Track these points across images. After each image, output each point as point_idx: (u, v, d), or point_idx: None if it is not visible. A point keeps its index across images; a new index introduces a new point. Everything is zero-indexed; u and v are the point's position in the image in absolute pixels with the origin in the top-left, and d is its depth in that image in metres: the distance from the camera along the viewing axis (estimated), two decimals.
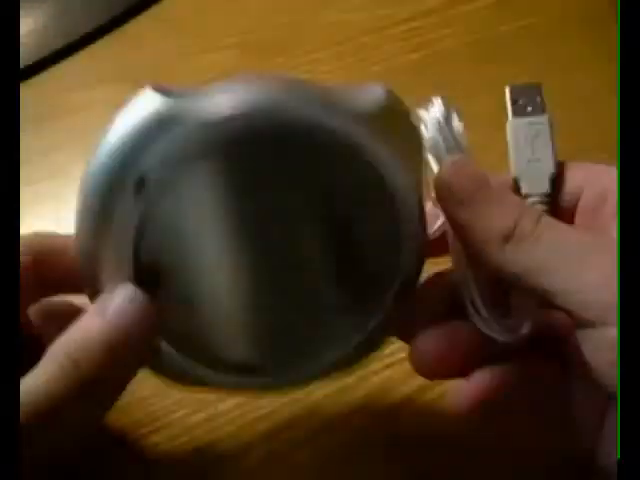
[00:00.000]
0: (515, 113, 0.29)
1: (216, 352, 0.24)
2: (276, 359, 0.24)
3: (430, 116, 0.27)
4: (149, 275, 0.23)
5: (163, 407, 0.29)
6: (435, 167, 0.25)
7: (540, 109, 0.29)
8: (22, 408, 0.20)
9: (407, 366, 0.30)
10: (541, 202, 0.26)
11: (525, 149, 0.28)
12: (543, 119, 0.28)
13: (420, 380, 0.30)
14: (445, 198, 0.23)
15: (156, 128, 0.22)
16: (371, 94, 0.24)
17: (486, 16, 0.46)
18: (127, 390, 0.29)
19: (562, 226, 0.23)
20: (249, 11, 0.46)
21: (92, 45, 0.44)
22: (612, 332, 0.21)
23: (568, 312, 0.22)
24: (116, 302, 0.22)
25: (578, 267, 0.22)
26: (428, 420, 0.29)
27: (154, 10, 0.47)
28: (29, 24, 0.45)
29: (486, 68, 0.42)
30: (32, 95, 0.40)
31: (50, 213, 0.37)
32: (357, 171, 0.23)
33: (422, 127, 0.26)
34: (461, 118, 0.26)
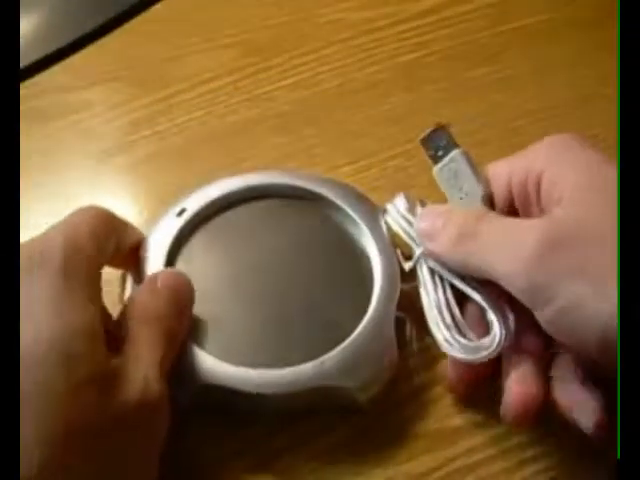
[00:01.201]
0: (434, 162, 0.31)
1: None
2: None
3: (394, 211, 0.32)
4: None
5: None
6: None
7: (451, 147, 0.30)
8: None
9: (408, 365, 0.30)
10: None
11: (455, 189, 0.30)
12: (455, 154, 0.30)
13: (424, 377, 0.30)
14: (422, 241, 0.30)
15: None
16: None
17: (485, 16, 0.46)
18: None
19: (499, 220, 0.28)
20: (249, 11, 0.46)
21: (92, 45, 0.44)
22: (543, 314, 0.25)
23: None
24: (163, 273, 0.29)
25: (509, 255, 0.26)
26: (432, 416, 0.29)
27: (154, 9, 0.47)
28: (29, 24, 0.45)
29: (485, 69, 0.42)
30: (32, 95, 0.40)
31: (50, 212, 0.37)
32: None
33: (389, 219, 0.32)
34: (425, 204, 0.32)
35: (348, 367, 0.28)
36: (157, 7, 0.47)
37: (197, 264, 0.31)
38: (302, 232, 0.33)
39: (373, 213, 0.33)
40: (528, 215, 0.29)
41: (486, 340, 0.28)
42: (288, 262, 0.32)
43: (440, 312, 0.29)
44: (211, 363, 0.28)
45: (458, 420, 0.29)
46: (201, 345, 0.28)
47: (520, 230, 0.26)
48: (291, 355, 0.28)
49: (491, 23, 0.45)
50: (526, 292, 0.26)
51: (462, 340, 0.28)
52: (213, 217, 0.33)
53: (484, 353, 0.27)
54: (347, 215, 0.32)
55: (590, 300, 0.24)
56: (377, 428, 0.29)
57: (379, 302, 0.30)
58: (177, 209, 0.32)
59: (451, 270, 0.29)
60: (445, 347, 0.28)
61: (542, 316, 0.25)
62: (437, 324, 0.29)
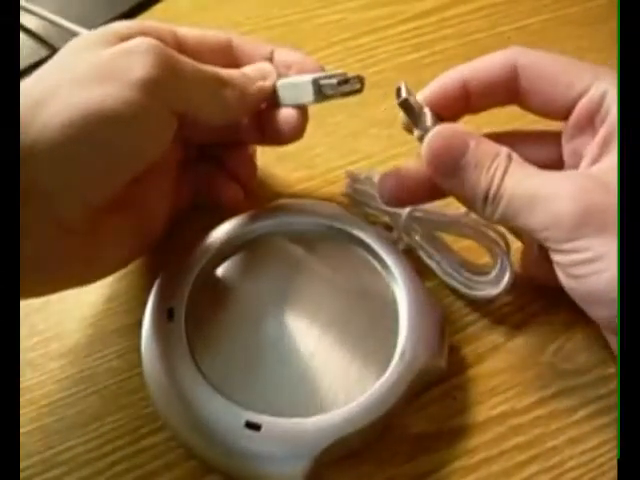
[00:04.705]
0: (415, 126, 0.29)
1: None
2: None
3: (361, 195, 0.34)
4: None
5: None
6: None
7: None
8: None
9: None
10: None
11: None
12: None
13: None
14: (432, 174, 0.27)
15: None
16: None
17: (486, 16, 0.46)
18: (128, 389, 0.30)
19: (526, 174, 0.26)
20: (248, 11, 0.46)
21: None
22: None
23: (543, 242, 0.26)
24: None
25: (541, 211, 0.25)
26: (431, 416, 0.29)
27: (154, 10, 0.47)
28: (29, 25, 0.45)
29: None
30: None
31: None
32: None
33: (362, 206, 0.34)
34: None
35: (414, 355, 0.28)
36: (157, 7, 0.47)
37: (221, 303, 0.30)
38: (319, 268, 0.31)
39: (390, 244, 0.32)
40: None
41: (495, 270, 0.31)
42: (313, 299, 0.30)
43: (450, 266, 0.32)
44: (274, 421, 0.26)
45: (458, 421, 0.29)
46: (253, 408, 0.26)
47: (553, 187, 0.25)
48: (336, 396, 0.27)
49: (491, 23, 0.45)
50: (565, 239, 0.25)
51: (480, 279, 0.31)
52: (231, 257, 0.31)
53: (505, 282, 0.30)
54: (366, 247, 0.31)
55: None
56: (377, 429, 0.29)
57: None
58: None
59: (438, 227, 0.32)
60: (471, 294, 0.31)
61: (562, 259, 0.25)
62: (452, 277, 0.32)
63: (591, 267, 0.24)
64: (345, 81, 0.30)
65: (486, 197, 0.26)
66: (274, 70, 0.31)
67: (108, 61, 0.25)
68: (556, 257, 0.25)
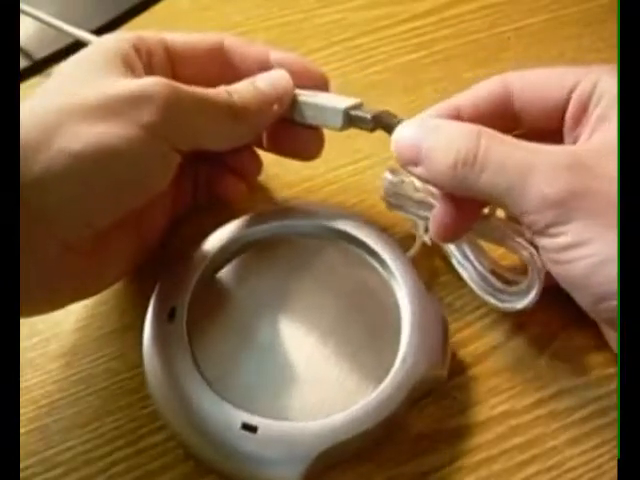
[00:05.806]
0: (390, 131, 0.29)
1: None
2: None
3: (397, 195, 0.33)
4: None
5: None
6: None
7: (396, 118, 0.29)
8: None
9: None
10: None
11: None
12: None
13: None
14: (403, 166, 0.27)
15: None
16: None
17: (485, 16, 0.46)
18: (127, 389, 0.30)
19: (504, 147, 0.25)
20: (248, 10, 0.46)
21: None
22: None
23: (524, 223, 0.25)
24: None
25: (521, 189, 0.24)
26: (432, 416, 0.29)
27: (154, 10, 0.47)
28: (29, 26, 0.45)
29: (485, 69, 0.42)
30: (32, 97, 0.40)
31: None
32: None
33: (394, 209, 0.33)
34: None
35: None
36: (156, 8, 0.47)
37: (222, 305, 0.30)
38: (322, 271, 0.31)
39: (396, 249, 0.31)
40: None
41: (526, 281, 0.30)
42: (315, 302, 0.30)
43: (480, 277, 0.31)
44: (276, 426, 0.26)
45: (459, 420, 0.29)
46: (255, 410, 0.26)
47: (540, 164, 0.25)
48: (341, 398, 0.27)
49: (491, 23, 0.45)
50: (544, 224, 0.25)
51: (511, 289, 0.30)
52: (233, 259, 0.31)
53: (533, 293, 0.29)
54: (370, 251, 0.31)
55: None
56: (375, 435, 0.29)
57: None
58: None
59: (474, 231, 0.30)
60: (501, 306, 0.30)
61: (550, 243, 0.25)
62: (483, 289, 0.31)
63: (575, 252, 0.24)
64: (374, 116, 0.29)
65: (456, 166, 0.25)
66: (292, 84, 0.30)
67: (117, 100, 0.25)
68: (540, 241, 0.26)
